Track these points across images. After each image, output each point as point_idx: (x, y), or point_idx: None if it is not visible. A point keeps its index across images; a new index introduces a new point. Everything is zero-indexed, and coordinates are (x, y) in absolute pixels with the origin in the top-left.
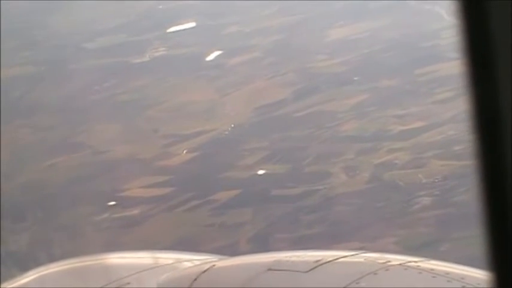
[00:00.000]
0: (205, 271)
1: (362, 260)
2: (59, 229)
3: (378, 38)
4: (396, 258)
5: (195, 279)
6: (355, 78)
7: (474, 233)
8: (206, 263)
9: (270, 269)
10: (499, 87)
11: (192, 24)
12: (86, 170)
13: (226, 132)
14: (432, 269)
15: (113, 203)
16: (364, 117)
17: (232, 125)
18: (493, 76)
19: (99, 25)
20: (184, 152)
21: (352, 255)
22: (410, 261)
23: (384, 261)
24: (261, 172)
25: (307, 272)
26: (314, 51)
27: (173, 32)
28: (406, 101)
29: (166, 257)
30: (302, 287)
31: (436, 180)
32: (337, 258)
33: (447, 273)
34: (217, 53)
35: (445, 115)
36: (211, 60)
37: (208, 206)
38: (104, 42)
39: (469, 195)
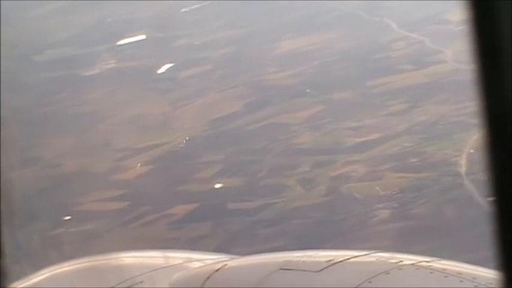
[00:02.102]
0: (217, 270)
1: (374, 259)
2: (14, 247)
3: (329, 50)
4: (408, 258)
5: (207, 279)
6: (308, 91)
7: (434, 246)
8: (218, 262)
9: (281, 269)
10: (508, 85)
11: (142, 37)
12: (40, 185)
13: (181, 145)
14: (444, 269)
15: (68, 217)
16: (318, 130)
17: (187, 138)
18: (501, 74)
19: (47, 37)
20: (139, 165)
21: (364, 255)
22: (422, 261)
23: (396, 261)
24: (217, 186)
25: (318, 271)
26: (265, 64)
27: (123, 44)
28: (360, 113)
29: (177, 256)
30: (314, 286)
31: (394, 193)
32: (349, 258)
33: (459, 273)
34: (168, 65)
35: (400, 127)
36: (162, 73)
37: (165, 220)
38: (53, 55)
39: (427, 208)
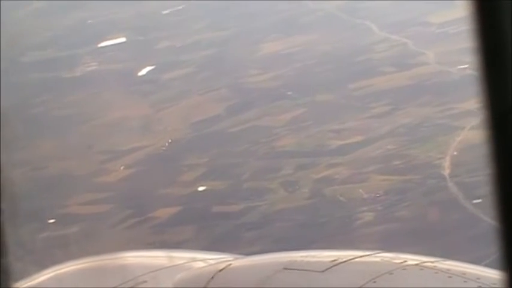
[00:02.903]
0: (221, 270)
1: (378, 259)
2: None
3: (310, 52)
4: (412, 258)
5: (211, 278)
6: (289, 93)
7: (419, 249)
8: (222, 262)
9: (285, 269)
10: (510, 84)
11: (122, 39)
12: (25, 187)
13: (164, 148)
14: (448, 269)
15: (52, 220)
16: (300, 132)
17: (169, 141)
18: (504, 73)
19: (29, 39)
20: (122, 168)
21: (368, 255)
22: (426, 262)
23: (400, 261)
24: (200, 189)
25: (323, 271)
26: (247, 66)
27: (104, 46)
28: (343, 116)
29: (181, 256)
30: (318, 286)
31: (378, 195)
32: (353, 258)
33: (463, 273)
34: (149, 68)
35: (382, 129)
36: (143, 75)
37: (149, 223)
38: (36, 57)
39: (411, 210)
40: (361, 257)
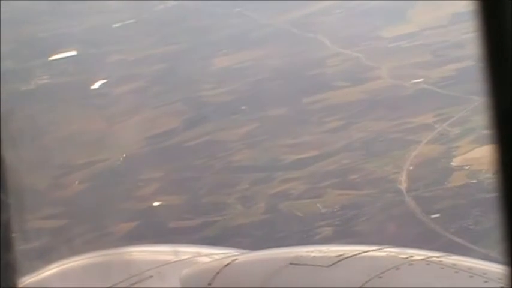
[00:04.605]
0: (226, 265)
1: (384, 254)
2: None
3: (263, 66)
4: (419, 254)
5: (217, 274)
6: (243, 107)
7: None
8: (227, 257)
9: (291, 264)
10: None
11: (73, 53)
12: None
13: (118, 162)
14: (455, 264)
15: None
16: (255, 147)
17: (124, 155)
18: (509, 72)
19: None
20: (77, 182)
21: (374, 250)
22: (432, 257)
23: (407, 256)
24: (157, 203)
25: (329, 266)
26: (200, 80)
27: (55, 59)
28: (297, 130)
29: (186, 251)
30: (324, 281)
31: (335, 210)
32: (359, 253)
33: (469, 268)
34: (102, 81)
35: (338, 144)
36: (96, 89)
37: (107, 238)
38: None
39: (369, 225)
40: (367, 252)
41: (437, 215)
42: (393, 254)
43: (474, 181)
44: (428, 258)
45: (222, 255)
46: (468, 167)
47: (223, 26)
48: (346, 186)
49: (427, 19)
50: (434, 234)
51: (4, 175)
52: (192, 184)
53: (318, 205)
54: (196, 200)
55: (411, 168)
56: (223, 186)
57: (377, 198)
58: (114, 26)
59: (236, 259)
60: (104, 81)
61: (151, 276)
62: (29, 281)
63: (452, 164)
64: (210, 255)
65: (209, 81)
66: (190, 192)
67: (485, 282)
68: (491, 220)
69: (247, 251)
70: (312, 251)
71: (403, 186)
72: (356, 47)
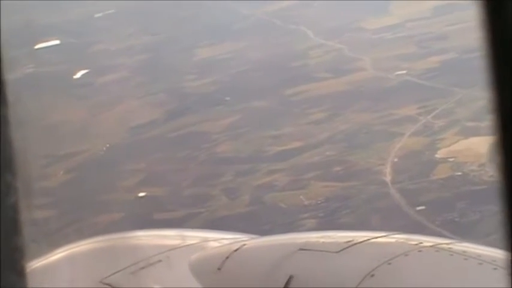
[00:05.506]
0: (236, 250)
1: (393, 241)
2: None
3: (245, 58)
4: (428, 240)
5: (227, 258)
6: (227, 99)
7: None
8: (236, 242)
9: (301, 249)
10: None
11: (56, 42)
12: None
13: (101, 153)
14: (464, 251)
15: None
16: (239, 138)
17: (107, 145)
18: None
19: None
20: (62, 173)
21: (383, 236)
22: (442, 243)
23: (416, 242)
24: (141, 194)
25: (338, 252)
26: (183, 71)
27: (39, 48)
28: (280, 122)
29: (194, 236)
30: (333, 267)
31: (319, 202)
32: (369, 239)
33: (479, 255)
34: (84, 71)
35: (321, 136)
36: (79, 79)
37: (92, 229)
38: None
39: (354, 217)
40: (376, 238)
41: (423, 207)
42: (402, 240)
43: (459, 173)
44: (437, 244)
45: (231, 240)
46: (453, 159)
47: (204, 17)
48: (330, 178)
49: (409, 11)
50: (420, 227)
51: (12, 158)
52: (175, 175)
53: (301, 197)
54: (181, 191)
55: (395, 160)
56: (207, 177)
57: (361, 190)
58: (96, 15)
59: (245, 244)
60: (86, 70)
61: (160, 261)
62: (37, 264)
63: (437, 156)
64: (218, 240)
65: (192, 71)
66: (175, 183)
67: (494, 269)
68: (477, 212)
69: (256, 236)
70: (321, 237)
71: (388, 178)
72: (339, 38)
